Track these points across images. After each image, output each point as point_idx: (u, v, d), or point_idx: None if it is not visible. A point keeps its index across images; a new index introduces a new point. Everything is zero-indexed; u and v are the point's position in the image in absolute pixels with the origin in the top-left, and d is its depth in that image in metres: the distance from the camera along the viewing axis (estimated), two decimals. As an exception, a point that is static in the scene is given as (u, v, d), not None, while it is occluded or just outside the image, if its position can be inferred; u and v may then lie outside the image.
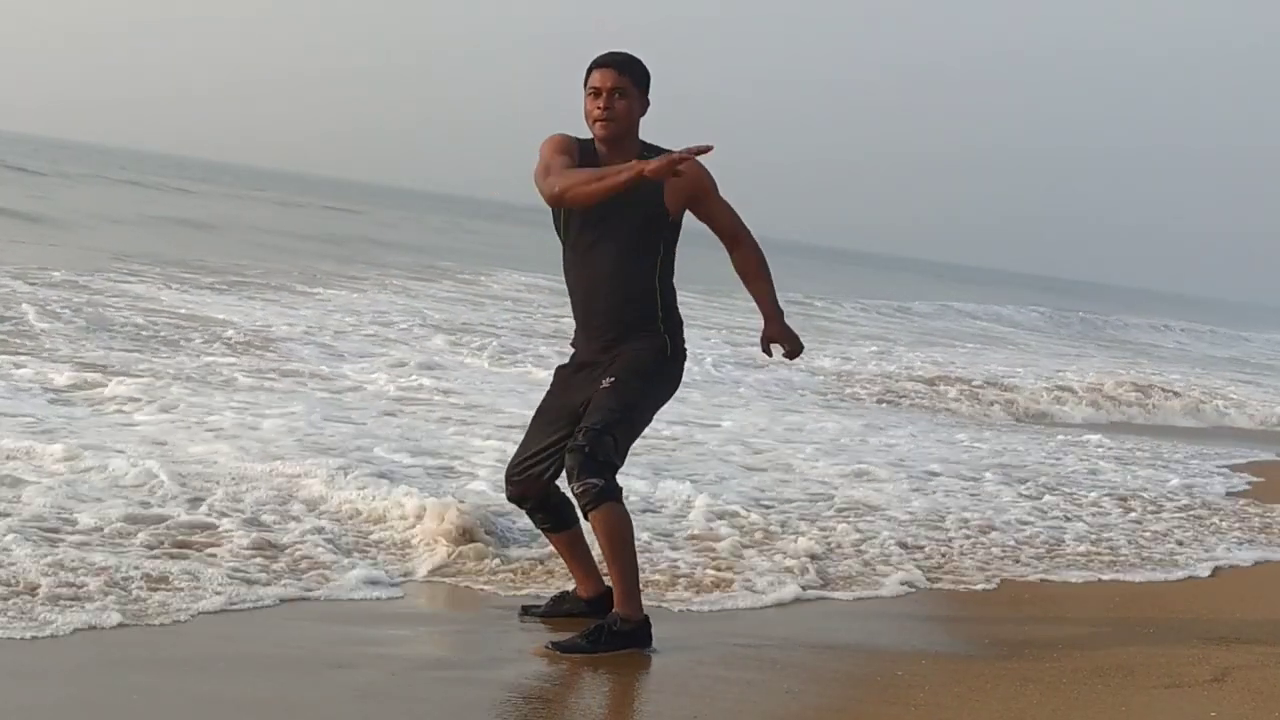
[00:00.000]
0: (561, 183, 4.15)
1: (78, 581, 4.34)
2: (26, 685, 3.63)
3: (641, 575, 5.18)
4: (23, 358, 8.69)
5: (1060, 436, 11.50)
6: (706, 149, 4.00)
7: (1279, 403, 17.17)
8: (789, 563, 5.65)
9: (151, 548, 4.87)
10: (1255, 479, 9.80)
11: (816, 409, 11.53)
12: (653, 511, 6.35)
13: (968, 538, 6.65)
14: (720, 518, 6.31)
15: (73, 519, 5.05)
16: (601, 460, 4.17)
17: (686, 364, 4.60)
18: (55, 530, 4.90)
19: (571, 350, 4.58)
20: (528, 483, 4.52)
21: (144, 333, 10.63)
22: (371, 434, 7.44)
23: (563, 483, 4.39)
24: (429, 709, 3.76)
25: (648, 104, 4.39)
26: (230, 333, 11.19)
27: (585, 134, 4.39)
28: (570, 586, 4.77)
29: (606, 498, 4.18)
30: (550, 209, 4.39)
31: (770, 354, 4.70)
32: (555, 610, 4.68)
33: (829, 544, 6.13)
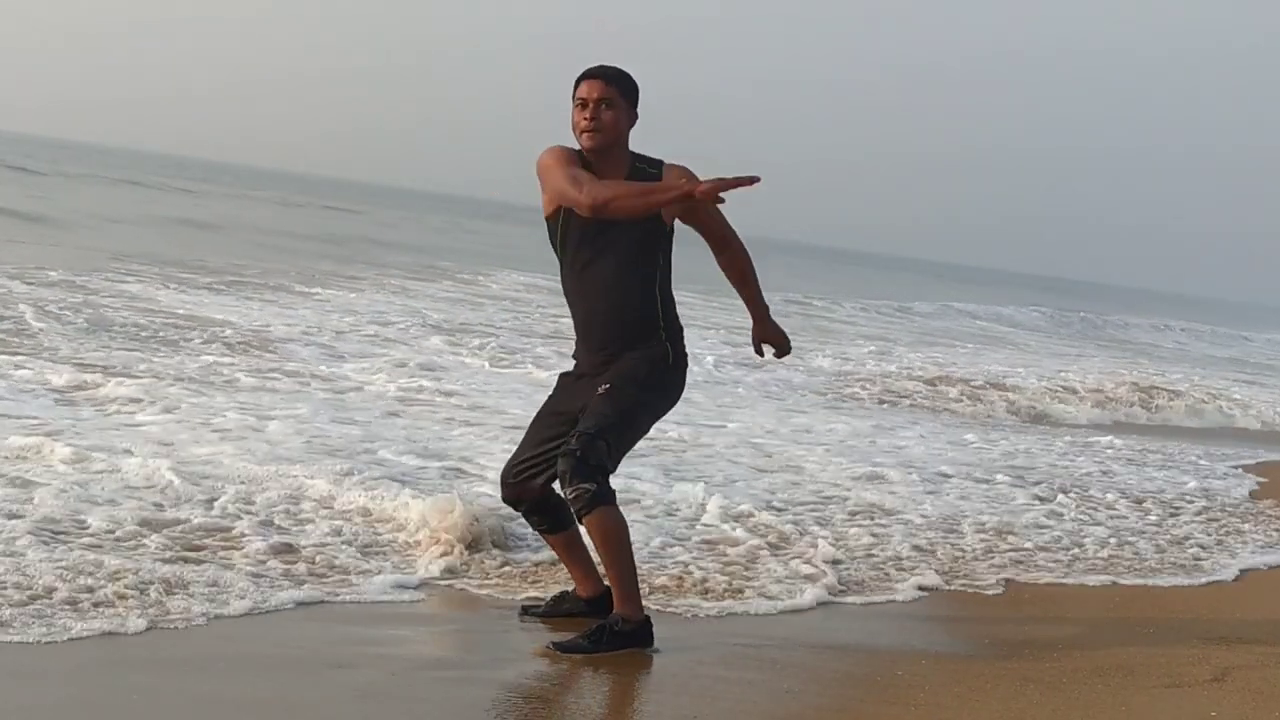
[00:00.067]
0: (604, 193, 4.13)
1: (95, 585, 4.32)
2: (26, 685, 3.63)
3: (655, 579, 5.18)
4: (23, 358, 8.68)
5: (1068, 437, 11.44)
6: (755, 180, 3.97)
7: (1281, 403, 17.14)
8: (805, 569, 5.61)
9: (168, 550, 4.86)
10: (1261, 479, 9.75)
11: (823, 410, 11.51)
12: (668, 515, 6.31)
13: (984, 542, 6.58)
14: (734, 520, 6.27)
15: (86, 522, 5.03)
16: (594, 465, 4.17)
17: (689, 366, 4.61)
18: (69, 533, 4.89)
19: (574, 360, 4.58)
20: (523, 485, 4.52)
21: (143, 333, 10.63)
22: (377, 436, 7.43)
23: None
24: (429, 709, 3.76)
25: (635, 116, 4.38)
26: (229, 333, 11.19)
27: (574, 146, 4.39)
28: (570, 586, 4.77)
29: (599, 502, 4.18)
30: (547, 222, 4.42)
31: (762, 354, 4.78)
32: (555, 610, 4.68)
33: (844, 548, 6.08)
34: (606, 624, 4.29)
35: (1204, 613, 5.62)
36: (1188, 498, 8.50)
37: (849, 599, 5.38)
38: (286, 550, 5.06)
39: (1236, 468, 10.32)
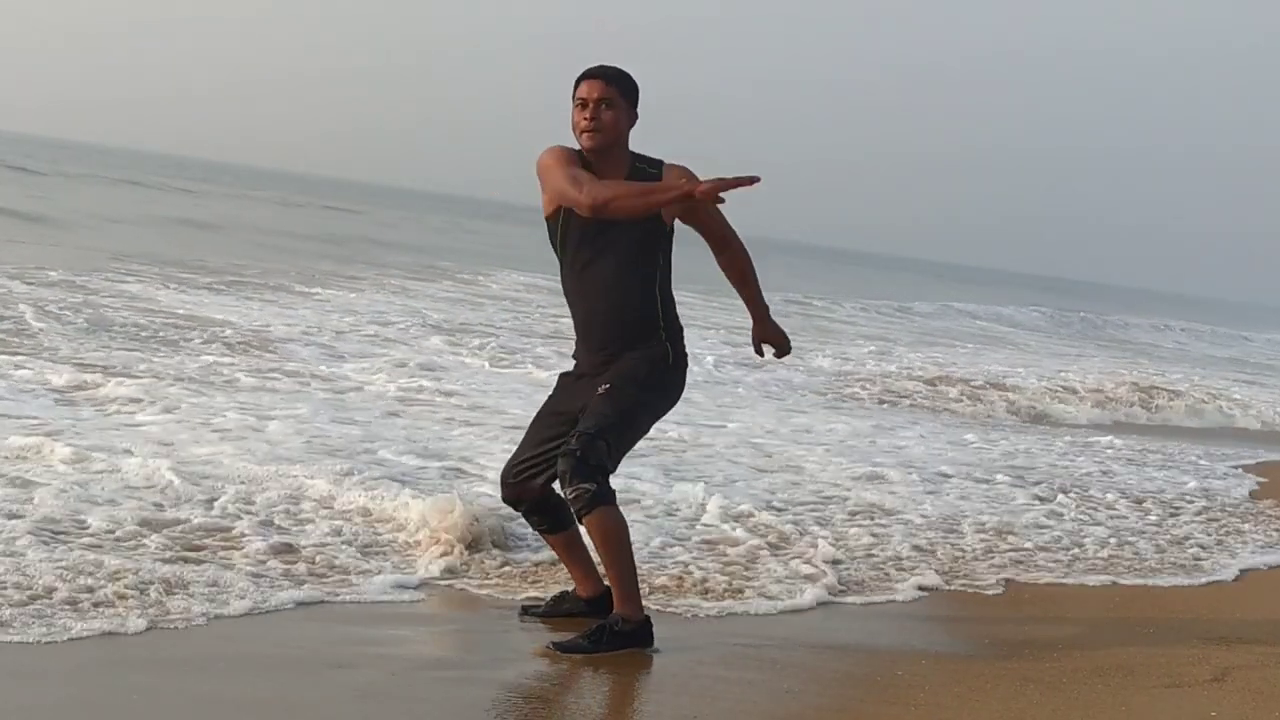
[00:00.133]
0: (604, 193, 4.13)
1: (95, 585, 4.32)
2: (26, 685, 3.63)
3: (655, 579, 5.18)
4: (23, 358, 8.68)
5: (1068, 437, 11.42)
6: (755, 180, 3.98)
7: (1282, 403, 17.12)
8: (805, 569, 5.60)
9: (168, 550, 4.85)
10: (1261, 479, 9.74)
11: (823, 410, 11.51)
12: (669, 515, 6.30)
13: (984, 542, 6.56)
14: (734, 520, 6.26)
15: (86, 522, 5.02)
16: (594, 465, 4.17)
17: (689, 366, 4.61)
18: (69, 533, 4.88)
19: (574, 360, 4.58)
20: (523, 485, 4.52)
21: (143, 333, 10.63)
22: (377, 436, 7.43)
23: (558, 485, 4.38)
24: (429, 709, 3.76)
25: (635, 116, 4.38)
26: (229, 333, 11.19)
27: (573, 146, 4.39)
28: (570, 586, 4.77)
29: (599, 502, 4.18)
30: (547, 222, 4.42)
31: (762, 354, 4.79)
32: (555, 610, 4.68)
33: (844, 548, 6.07)
34: (606, 624, 4.29)
35: (1204, 613, 5.62)
36: (1188, 498, 8.49)
37: (849, 599, 5.38)
38: (286, 550, 5.05)
39: (1236, 468, 10.30)
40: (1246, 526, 7.70)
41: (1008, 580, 5.93)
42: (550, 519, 4.57)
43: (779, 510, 6.62)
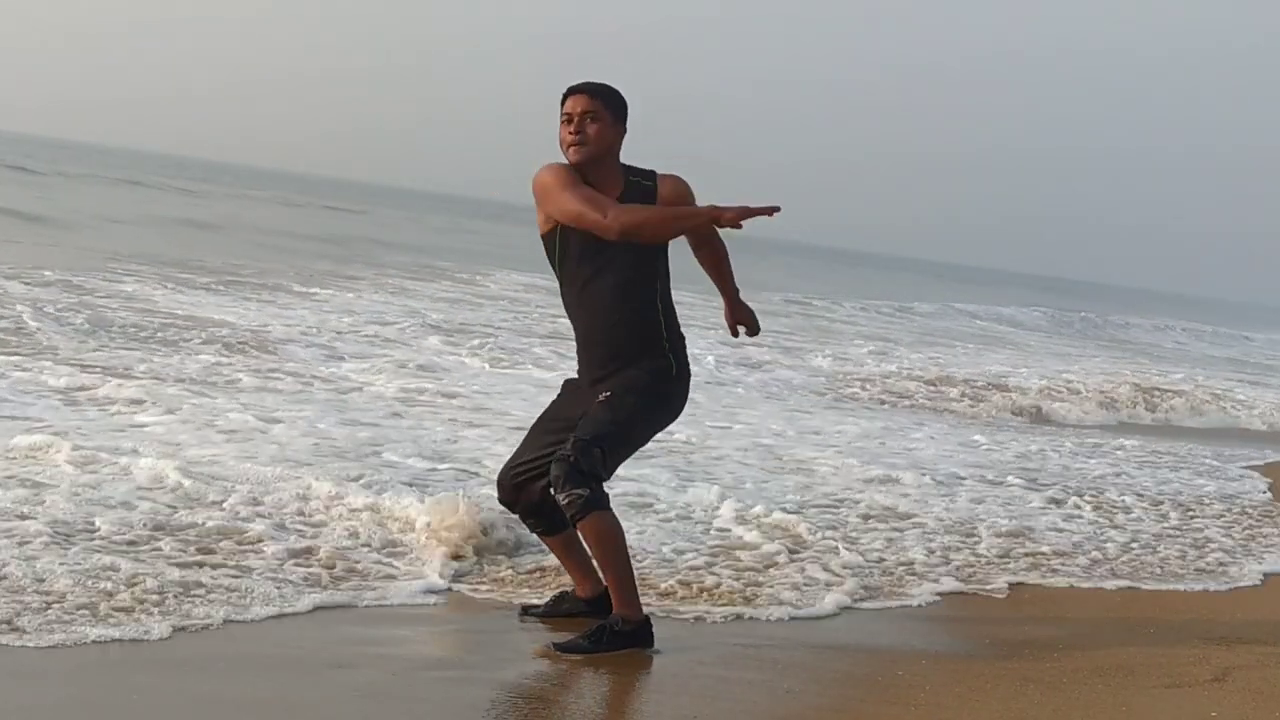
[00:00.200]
0: (633, 218, 4.17)
1: (114, 591, 4.31)
2: (26, 685, 3.62)
3: (666, 584, 5.15)
4: (21, 359, 8.69)
5: (1077, 439, 11.34)
6: (776, 209, 4.10)
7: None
8: (823, 574, 5.54)
9: (183, 553, 4.85)
10: (1267, 479, 9.67)
11: (830, 411, 11.50)
12: (682, 518, 6.24)
13: (1002, 546, 6.44)
14: (748, 524, 6.19)
15: (98, 525, 5.01)
16: (586, 470, 4.17)
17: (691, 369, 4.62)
18: (82, 536, 4.87)
19: (578, 371, 4.58)
20: (519, 488, 4.54)
21: (142, 333, 10.63)
22: (384, 438, 7.41)
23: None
24: (429, 709, 3.75)
25: (624, 130, 4.40)
26: (229, 334, 11.19)
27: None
28: (570, 587, 4.77)
29: (593, 507, 4.18)
30: (543, 239, 4.43)
31: (736, 334, 4.86)
32: (555, 610, 4.68)
33: (858, 551, 6.00)
34: (606, 624, 4.29)
35: (1204, 613, 5.62)
36: (1205, 500, 8.36)
37: (866, 604, 5.31)
38: (303, 554, 5.04)
39: (1247, 469, 10.23)
40: (1268, 529, 7.60)
41: (1019, 583, 5.87)
42: (546, 521, 4.57)
43: (792, 513, 6.48)
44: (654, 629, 4.37)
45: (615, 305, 4.36)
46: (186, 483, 5.72)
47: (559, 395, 4.63)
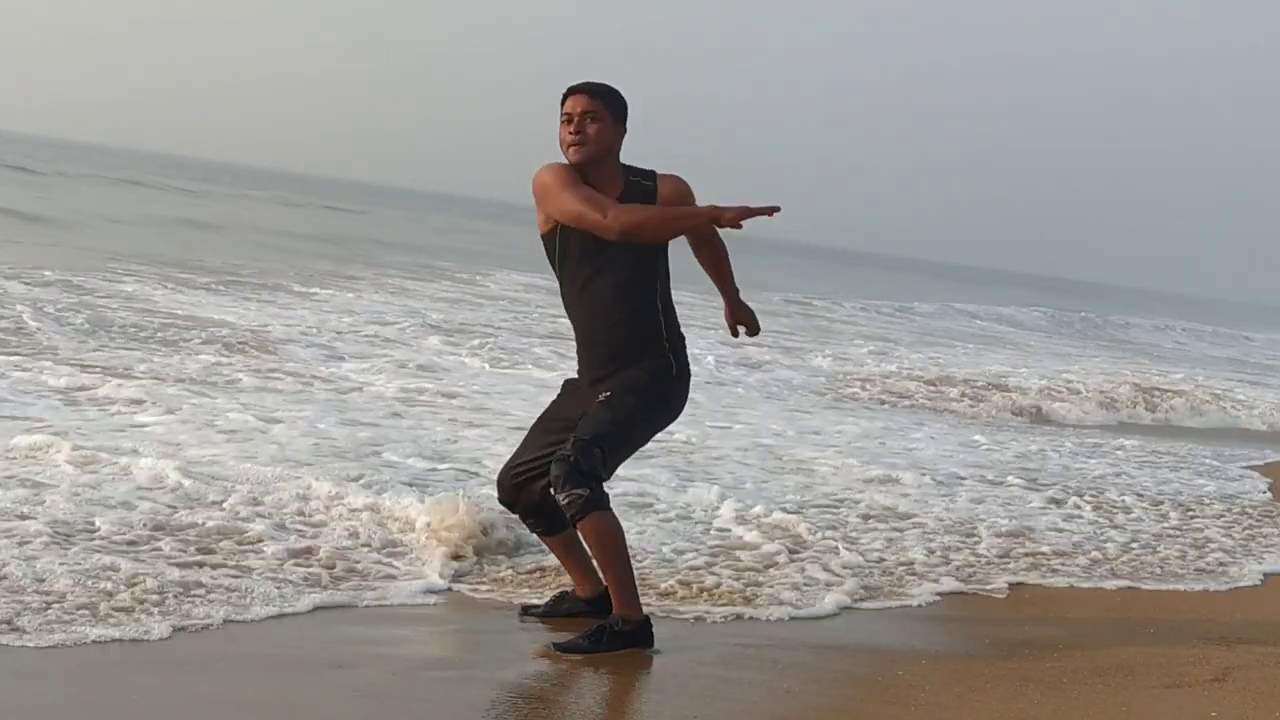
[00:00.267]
0: (634, 218, 4.18)
1: (114, 591, 4.31)
2: (26, 685, 3.62)
3: (666, 584, 5.15)
4: (21, 359, 8.69)
5: (1077, 439, 11.32)
6: (776, 209, 4.12)
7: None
8: (823, 575, 5.52)
9: (183, 553, 4.84)
10: (1267, 479, 9.66)
11: (829, 411, 11.49)
12: (682, 519, 6.23)
13: (1001, 547, 6.42)
14: (748, 524, 6.18)
15: (99, 525, 5.01)
16: (586, 470, 4.17)
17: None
18: (82, 536, 4.87)
19: (578, 371, 4.58)
20: (519, 488, 4.54)
21: (141, 333, 10.63)
22: (385, 438, 7.40)
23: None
24: (429, 709, 3.75)
25: (624, 130, 4.40)
26: (229, 334, 11.19)
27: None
28: (570, 587, 4.77)
29: (593, 507, 4.18)
30: (542, 239, 4.44)
31: (736, 334, 4.86)
32: (555, 610, 4.68)
33: (858, 551, 5.98)
34: (606, 624, 4.29)
35: (1204, 613, 5.62)
36: (1205, 500, 8.35)
37: (866, 604, 5.30)
38: (304, 554, 5.03)
39: (1247, 469, 10.21)
40: (1268, 530, 7.58)
41: (1019, 582, 5.86)
42: (546, 521, 4.57)
43: (792, 513, 6.47)
44: (654, 629, 4.37)
45: (615, 305, 4.37)
46: (186, 483, 5.72)
47: (559, 395, 4.63)
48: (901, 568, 5.88)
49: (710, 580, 5.29)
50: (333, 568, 4.94)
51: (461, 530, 5.32)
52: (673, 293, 4.52)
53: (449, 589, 4.95)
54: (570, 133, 4.33)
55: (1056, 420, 13.29)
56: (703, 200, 4.39)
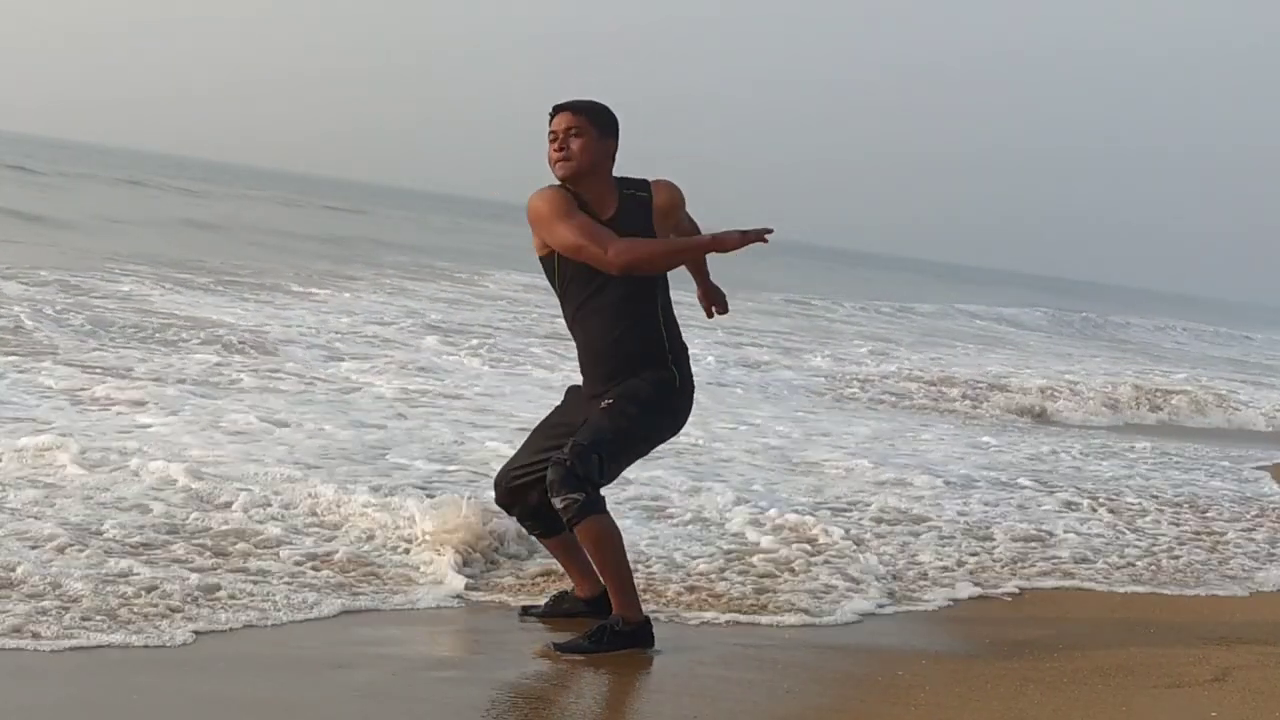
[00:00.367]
0: (629, 256, 4.21)
1: (132, 595, 4.30)
2: (26, 685, 3.62)
3: (673, 589, 5.12)
4: (19, 359, 8.69)
5: (1084, 440, 11.28)
6: (769, 231, 4.22)
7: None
8: (839, 581, 5.44)
9: (201, 557, 4.85)
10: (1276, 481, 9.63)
11: (838, 412, 11.49)
12: (693, 521, 6.20)
13: (1019, 551, 6.36)
14: (761, 526, 6.13)
15: (112, 528, 5.00)
16: (582, 475, 4.17)
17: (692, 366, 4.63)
18: (94, 540, 4.85)
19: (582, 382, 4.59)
20: (516, 492, 4.55)
21: (140, 334, 10.63)
22: (391, 440, 7.41)
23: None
24: (429, 709, 3.75)
25: (614, 145, 4.41)
26: (230, 335, 11.18)
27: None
28: (569, 586, 4.77)
29: (589, 511, 4.19)
30: (541, 260, 4.45)
31: (711, 315, 4.96)
32: (555, 610, 4.69)
33: (876, 556, 5.91)
34: (607, 624, 4.29)
35: (1204, 613, 5.62)
36: (1223, 502, 8.27)
37: (885, 610, 5.24)
38: (310, 557, 5.03)
39: (1256, 469, 10.18)
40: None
41: (1034, 587, 5.81)
42: (544, 524, 4.57)
43: (805, 516, 6.37)
44: (655, 629, 4.37)
45: (616, 321, 4.38)
46: (195, 485, 5.72)
47: (562, 401, 4.64)
48: (914, 570, 5.81)
49: (722, 586, 5.23)
50: (338, 569, 4.93)
51: (465, 532, 5.30)
52: (672, 300, 4.52)
53: (452, 590, 4.91)
54: (555, 149, 4.36)
55: (1060, 421, 13.26)
56: (697, 200, 4.45)
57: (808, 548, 5.89)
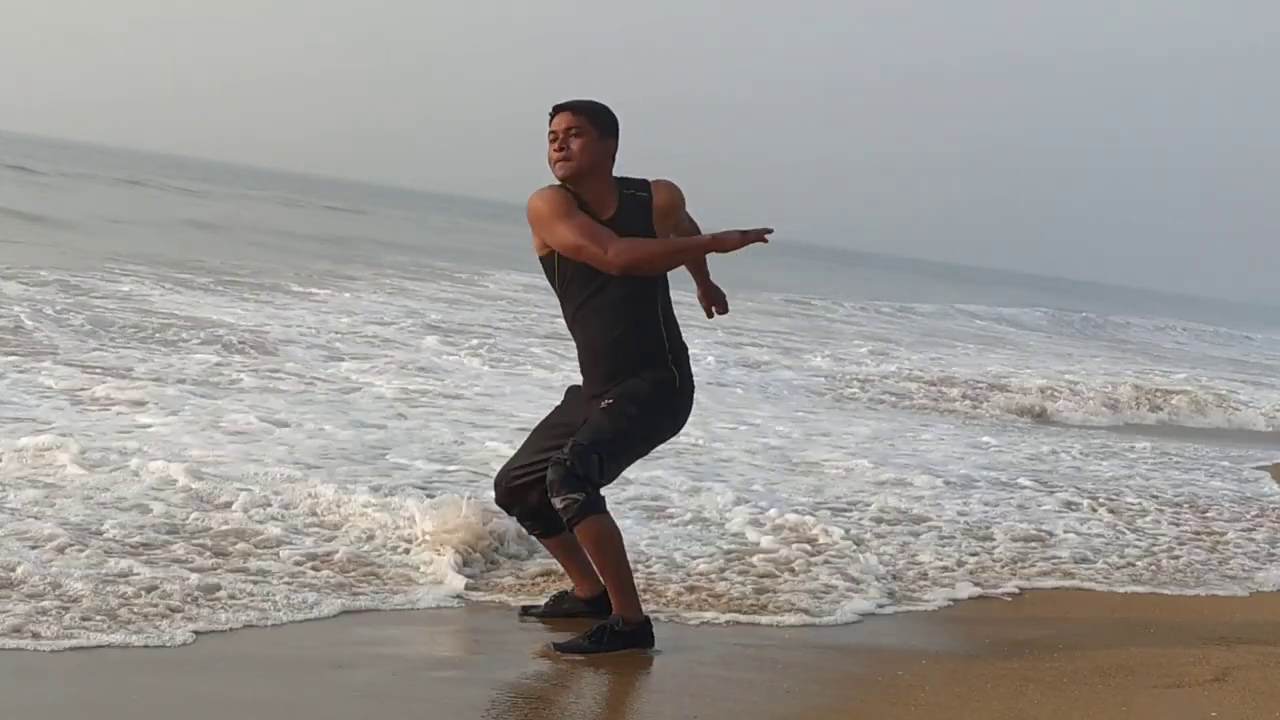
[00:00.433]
0: (629, 257, 4.22)
1: (132, 595, 4.30)
2: (26, 685, 3.62)
3: (673, 589, 5.13)
4: (22, 359, 8.69)
5: (1084, 440, 11.28)
6: (769, 231, 4.23)
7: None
8: (839, 581, 5.43)
9: (201, 557, 4.85)
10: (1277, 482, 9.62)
11: (838, 412, 11.48)
12: (693, 521, 6.19)
13: (1019, 552, 6.35)
14: (761, 526, 6.12)
15: (113, 528, 5.00)
16: (581, 475, 4.18)
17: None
18: (93, 540, 4.85)
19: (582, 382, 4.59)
20: (516, 492, 4.55)
21: (140, 334, 10.63)
22: (391, 440, 7.41)
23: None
24: (429, 709, 3.75)
25: (614, 145, 4.41)
26: (229, 335, 11.18)
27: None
28: (569, 586, 4.77)
29: (588, 511, 4.19)
30: (541, 260, 4.46)
31: (711, 315, 4.96)
32: (555, 610, 4.69)
33: (876, 556, 5.90)
34: (607, 624, 4.29)
35: (1205, 613, 5.62)
36: (1223, 502, 8.27)
37: (885, 610, 5.23)
38: (310, 557, 5.02)
39: (1256, 469, 10.17)
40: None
41: (1033, 587, 5.81)
42: (543, 524, 4.57)
43: (805, 516, 6.37)
44: (655, 629, 4.37)
45: (616, 321, 4.38)
46: (195, 485, 5.72)
47: (562, 401, 4.64)
48: (913, 570, 5.82)
49: (722, 586, 5.23)
50: (339, 570, 4.93)
51: (465, 532, 5.30)
52: (672, 299, 4.52)
53: (452, 590, 4.91)
54: (555, 149, 4.36)
55: (1061, 421, 13.25)
56: (696, 200, 4.45)
57: (808, 548, 5.88)
